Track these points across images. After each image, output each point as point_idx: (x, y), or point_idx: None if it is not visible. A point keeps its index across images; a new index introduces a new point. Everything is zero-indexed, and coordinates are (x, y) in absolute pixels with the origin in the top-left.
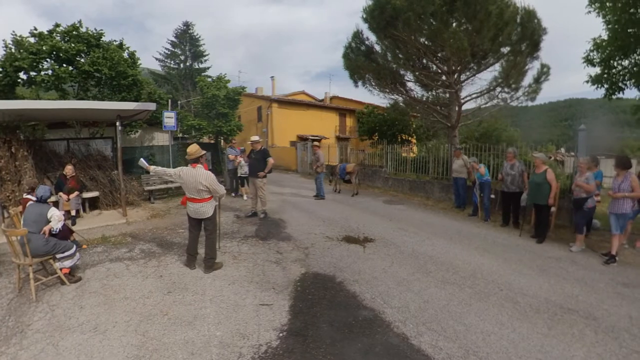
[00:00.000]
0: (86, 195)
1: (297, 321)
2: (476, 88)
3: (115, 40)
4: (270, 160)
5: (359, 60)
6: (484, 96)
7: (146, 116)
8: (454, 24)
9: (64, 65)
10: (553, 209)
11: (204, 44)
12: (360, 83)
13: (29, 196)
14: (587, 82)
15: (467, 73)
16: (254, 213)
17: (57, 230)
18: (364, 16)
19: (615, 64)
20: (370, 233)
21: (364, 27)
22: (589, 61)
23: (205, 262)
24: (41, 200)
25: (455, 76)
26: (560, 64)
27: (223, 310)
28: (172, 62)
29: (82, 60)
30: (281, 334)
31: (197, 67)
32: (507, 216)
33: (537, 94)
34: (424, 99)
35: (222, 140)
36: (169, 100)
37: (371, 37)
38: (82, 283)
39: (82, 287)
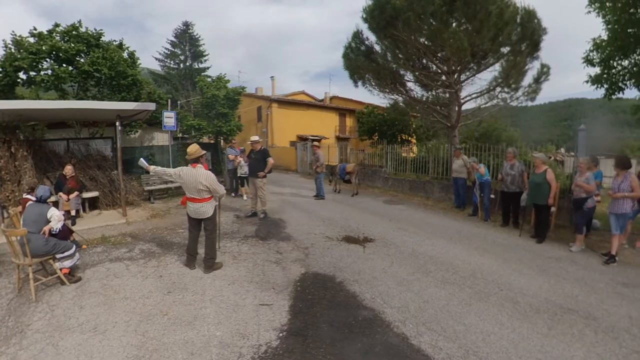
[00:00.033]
0: (86, 195)
1: (297, 321)
2: (476, 88)
3: (115, 40)
4: (270, 160)
5: (358, 60)
6: (483, 96)
7: (146, 116)
8: (454, 24)
9: (64, 65)
10: (553, 209)
11: (203, 44)
12: (360, 83)
13: (28, 196)
14: (587, 82)
15: (467, 73)
16: (254, 213)
17: (57, 230)
18: (364, 16)
19: (615, 64)
20: (370, 233)
21: (364, 27)
22: (588, 61)
23: (205, 262)
24: (41, 200)
25: (455, 76)
26: (560, 64)
27: (223, 310)
28: (171, 62)
29: (82, 60)
30: (281, 334)
31: (196, 67)
32: (507, 216)
33: (537, 94)
34: (424, 99)
35: (221, 140)
36: (169, 100)
37: (371, 37)
38: (81, 283)
39: (81, 287)
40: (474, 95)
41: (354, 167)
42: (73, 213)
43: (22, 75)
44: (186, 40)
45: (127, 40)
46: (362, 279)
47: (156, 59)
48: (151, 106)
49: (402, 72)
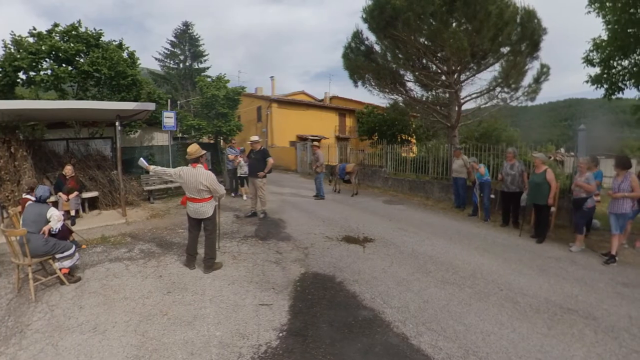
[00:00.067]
0: (85, 195)
1: (296, 321)
2: (476, 88)
3: (114, 40)
4: (270, 160)
5: (358, 60)
6: (483, 96)
7: (145, 116)
8: (454, 24)
9: (63, 65)
10: (553, 209)
11: (203, 44)
12: (360, 83)
13: (28, 196)
14: (587, 82)
15: (467, 73)
16: (254, 213)
17: (57, 230)
18: (364, 16)
19: (615, 64)
20: (370, 233)
21: (364, 27)
22: (588, 61)
23: (205, 262)
24: (40, 200)
25: (455, 76)
26: (560, 64)
27: (223, 310)
28: (171, 62)
29: (82, 60)
30: (281, 334)
31: (196, 67)
32: (507, 216)
33: (537, 94)
34: (424, 99)
35: (221, 140)
36: (169, 100)
37: (371, 37)
38: (81, 283)
39: (81, 287)
40: (474, 95)
41: (353, 167)
42: (73, 213)
43: (21, 75)
44: (186, 40)
45: (127, 40)
46: (362, 279)
47: (156, 59)
48: (151, 106)
49: (402, 72)
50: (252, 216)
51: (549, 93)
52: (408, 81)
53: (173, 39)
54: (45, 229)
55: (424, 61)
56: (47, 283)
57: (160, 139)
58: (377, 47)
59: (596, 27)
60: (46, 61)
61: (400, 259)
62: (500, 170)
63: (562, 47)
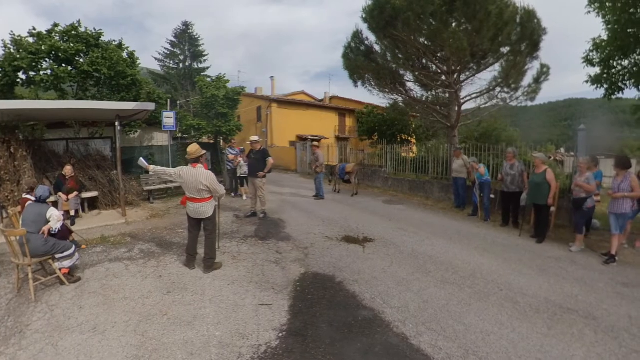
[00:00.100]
0: (85, 195)
1: (296, 321)
2: (476, 88)
3: (114, 40)
4: (270, 160)
5: (358, 60)
6: (483, 96)
7: (145, 116)
8: (454, 24)
9: (63, 65)
10: (553, 208)
11: (203, 44)
12: (359, 83)
13: (28, 196)
14: (587, 82)
15: (467, 73)
16: (254, 213)
17: (56, 230)
18: (364, 16)
19: (614, 64)
20: (370, 233)
21: (364, 27)
22: (588, 61)
23: (205, 262)
24: (40, 200)
25: (455, 76)
26: (559, 64)
27: (222, 310)
28: (171, 62)
29: (81, 60)
30: (281, 334)
31: (196, 67)
32: (507, 216)
33: (537, 94)
34: (424, 99)
35: (221, 140)
36: (168, 100)
37: (371, 37)
38: (81, 283)
39: (81, 287)
40: (473, 95)
41: (353, 167)
42: (72, 213)
43: (21, 75)
44: (186, 40)
45: (126, 40)
46: (361, 279)
47: (156, 59)
48: (150, 106)
49: (401, 72)
50: (252, 216)
51: (549, 93)
52: (408, 81)
53: (173, 39)
54: (45, 229)
55: (424, 61)
56: (47, 283)
57: (160, 139)
58: (377, 47)
59: (596, 27)
60: (46, 61)
61: (400, 259)
62: (500, 170)
63: (562, 47)
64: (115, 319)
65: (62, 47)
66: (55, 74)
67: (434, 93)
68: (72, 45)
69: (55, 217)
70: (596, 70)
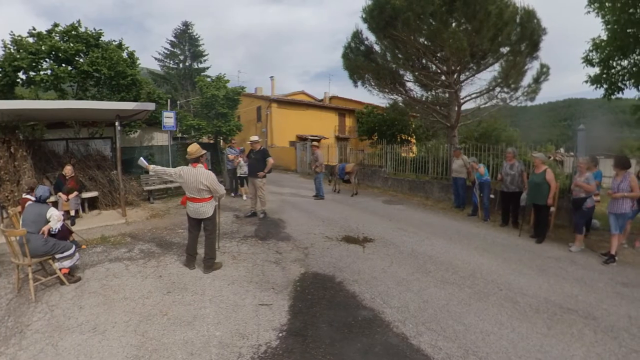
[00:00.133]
0: (85, 195)
1: (296, 321)
2: (475, 88)
3: (114, 40)
4: (270, 160)
5: (358, 60)
6: (483, 96)
7: (145, 116)
8: (454, 24)
9: (63, 65)
10: (552, 208)
11: (203, 44)
12: (359, 83)
13: (28, 196)
14: (587, 82)
15: (467, 73)
16: (254, 213)
17: (56, 230)
18: (364, 16)
19: (614, 64)
20: (370, 233)
21: (364, 27)
22: (588, 61)
23: (205, 262)
24: (40, 201)
25: (455, 76)
26: (559, 64)
27: (222, 310)
28: (171, 62)
29: (81, 60)
30: (281, 334)
31: (196, 67)
32: (507, 216)
33: (537, 94)
34: (424, 99)
35: (221, 140)
36: (168, 100)
37: (370, 37)
38: (81, 283)
39: (81, 287)
40: (473, 95)
41: (353, 167)
42: (72, 213)
43: (21, 75)
44: (186, 40)
45: (126, 40)
46: (361, 279)
47: (156, 59)
48: (150, 106)
49: (401, 72)
50: (252, 216)
51: (549, 93)
52: (408, 81)
53: (173, 39)
54: (45, 229)
55: (424, 61)
56: (47, 283)
57: (160, 139)
58: (376, 47)
59: (596, 27)
60: (46, 61)
61: (400, 259)
62: (500, 170)
63: (562, 47)
64: (115, 319)
65: (62, 47)
66: (55, 74)
67: (433, 93)
68: (72, 45)
69: (55, 217)
70: (596, 70)
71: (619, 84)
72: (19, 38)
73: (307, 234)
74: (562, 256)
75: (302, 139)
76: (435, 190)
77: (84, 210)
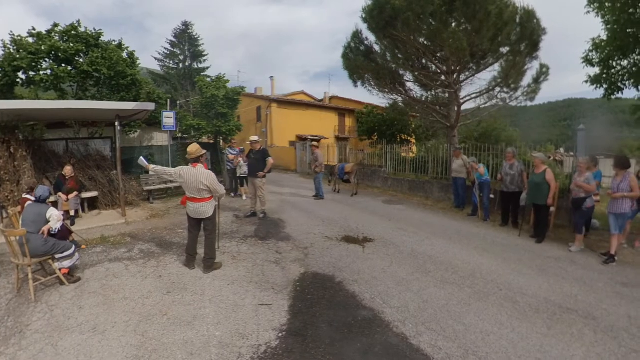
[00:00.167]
0: (85, 195)
1: (296, 321)
2: (475, 88)
3: (114, 40)
4: (270, 160)
5: (358, 60)
6: (483, 96)
7: (145, 116)
8: (453, 24)
9: (63, 65)
10: (552, 208)
11: (203, 44)
12: (359, 83)
13: (27, 196)
14: (586, 82)
15: (467, 73)
16: (253, 213)
17: (56, 230)
18: (364, 16)
19: (614, 64)
20: (370, 233)
21: (364, 27)
22: (588, 61)
23: (205, 262)
24: (40, 201)
25: (455, 76)
26: (559, 64)
27: (222, 310)
28: (171, 62)
29: (81, 60)
30: (280, 334)
31: (196, 67)
32: (507, 216)
33: (536, 94)
34: (423, 99)
35: (221, 140)
36: (168, 100)
37: (370, 37)
38: (81, 283)
39: (81, 287)
40: (473, 95)
41: (353, 167)
42: (72, 213)
43: (21, 75)
44: (185, 40)
45: (126, 40)
46: (361, 279)
47: (155, 59)
48: (150, 106)
49: (401, 72)
50: (252, 216)
51: (549, 93)
52: (408, 81)
53: (173, 39)
54: (45, 229)
55: (424, 61)
56: (47, 283)
57: (160, 139)
58: (376, 47)
59: (596, 27)
60: (46, 61)
61: (399, 259)
62: (500, 170)
63: (562, 47)
64: (115, 319)
65: (62, 47)
66: (55, 74)
67: (433, 93)
68: (71, 45)
69: (55, 217)
70: (596, 70)
71: (619, 84)
72: (19, 38)
73: (307, 234)
74: (562, 256)
75: (302, 139)
76: (435, 190)
77: (83, 210)
